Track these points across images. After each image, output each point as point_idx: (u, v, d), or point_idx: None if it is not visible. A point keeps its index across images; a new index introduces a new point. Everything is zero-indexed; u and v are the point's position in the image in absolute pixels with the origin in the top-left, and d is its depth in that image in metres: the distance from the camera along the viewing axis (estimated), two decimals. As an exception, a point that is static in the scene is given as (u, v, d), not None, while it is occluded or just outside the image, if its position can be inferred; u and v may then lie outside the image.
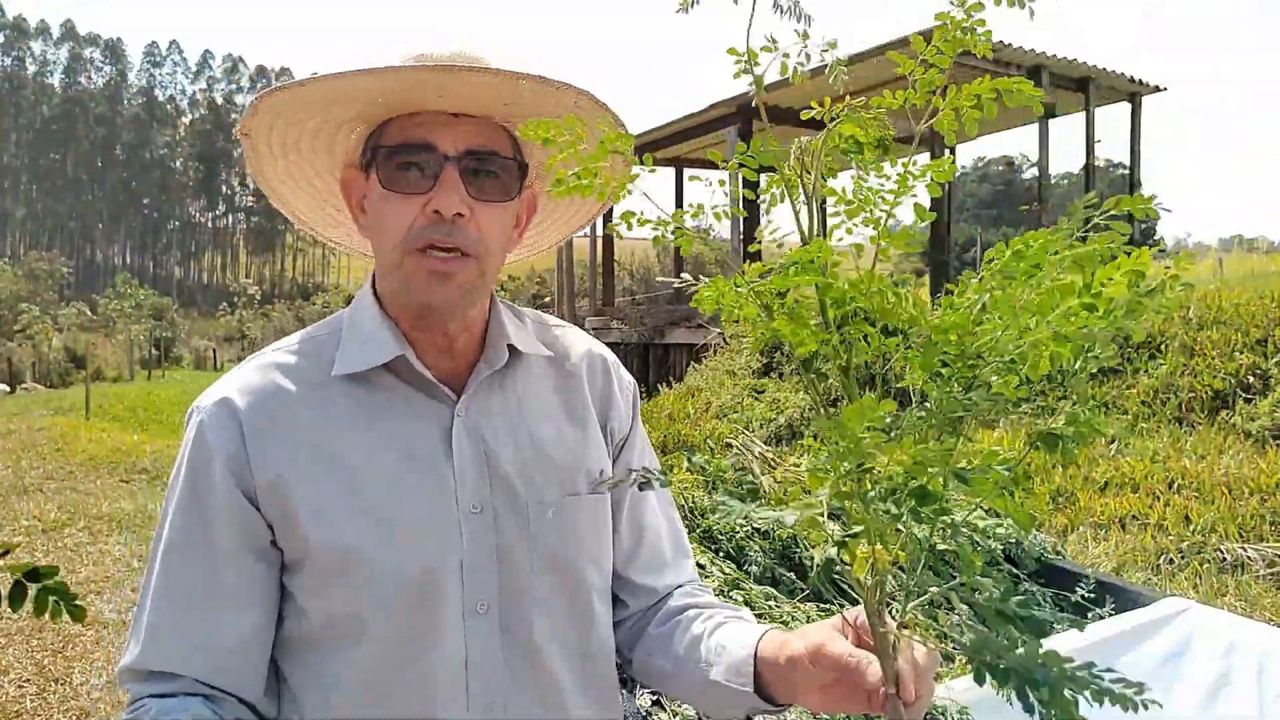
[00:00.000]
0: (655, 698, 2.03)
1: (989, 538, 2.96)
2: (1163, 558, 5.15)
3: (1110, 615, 2.55)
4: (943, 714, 2.03)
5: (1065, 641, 2.24)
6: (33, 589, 0.57)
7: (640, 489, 0.85)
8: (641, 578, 1.17)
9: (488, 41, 1.01)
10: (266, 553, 1.00)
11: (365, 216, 1.07)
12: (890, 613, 0.78)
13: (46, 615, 0.57)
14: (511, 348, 1.09)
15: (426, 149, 0.99)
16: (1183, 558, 5.13)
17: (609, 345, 1.34)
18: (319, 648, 1.01)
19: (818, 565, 0.75)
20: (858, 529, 0.67)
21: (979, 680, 0.63)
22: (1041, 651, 0.63)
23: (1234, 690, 2.18)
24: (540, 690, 1.05)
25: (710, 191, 0.73)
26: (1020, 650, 0.63)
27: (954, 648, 0.70)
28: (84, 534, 6.70)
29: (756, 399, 8.71)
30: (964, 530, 0.64)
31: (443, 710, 0.99)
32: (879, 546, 0.71)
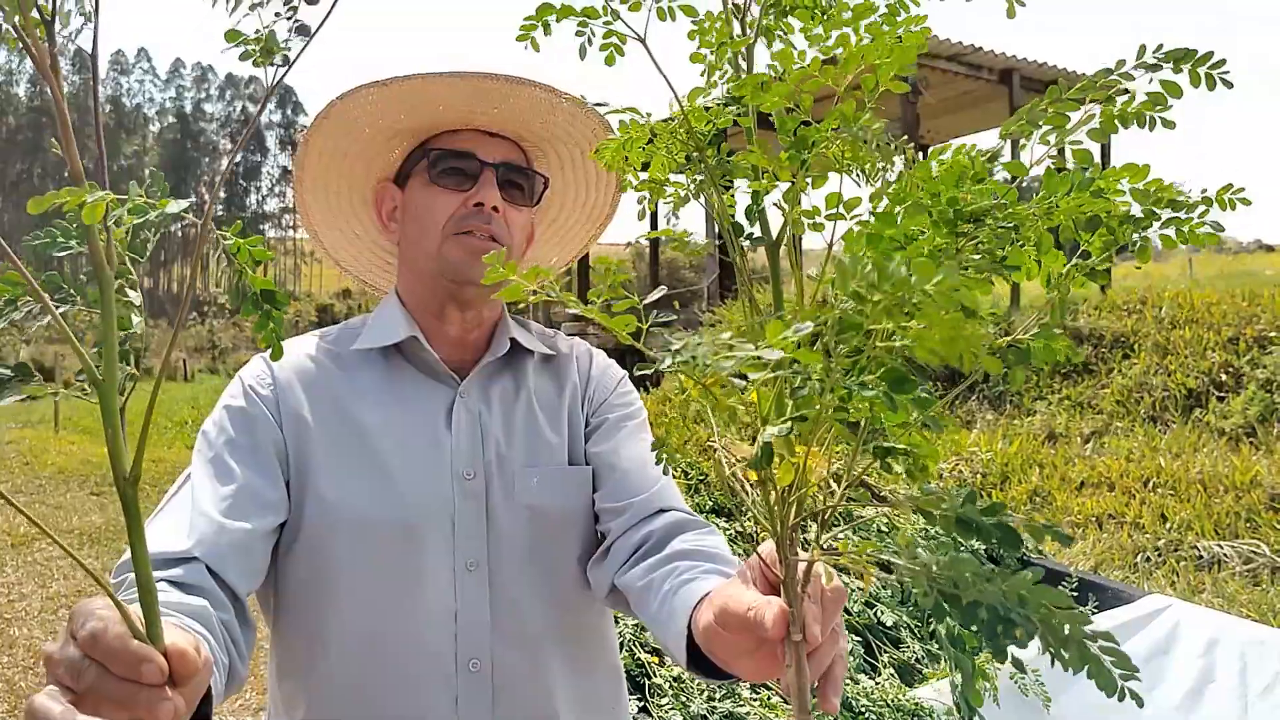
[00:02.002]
0: (642, 705, 2.01)
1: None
2: (1140, 556, 5.20)
3: (1093, 613, 2.56)
4: (930, 715, 2.02)
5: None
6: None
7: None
8: (611, 501, 1.20)
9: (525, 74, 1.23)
10: (282, 482, 1.12)
11: (394, 224, 1.27)
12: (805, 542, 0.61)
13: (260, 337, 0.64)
14: (514, 341, 1.25)
15: (469, 156, 1.21)
16: (1160, 555, 5.18)
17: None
18: (316, 592, 1.11)
19: (740, 462, 0.54)
20: (800, 413, 0.50)
21: (937, 616, 0.47)
22: (1026, 584, 0.46)
23: (1218, 686, 2.19)
24: (519, 640, 1.15)
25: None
26: (992, 583, 0.46)
27: (900, 578, 0.52)
28: (54, 548, 6.57)
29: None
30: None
31: (431, 659, 1.11)
32: (815, 450, 0.54)
